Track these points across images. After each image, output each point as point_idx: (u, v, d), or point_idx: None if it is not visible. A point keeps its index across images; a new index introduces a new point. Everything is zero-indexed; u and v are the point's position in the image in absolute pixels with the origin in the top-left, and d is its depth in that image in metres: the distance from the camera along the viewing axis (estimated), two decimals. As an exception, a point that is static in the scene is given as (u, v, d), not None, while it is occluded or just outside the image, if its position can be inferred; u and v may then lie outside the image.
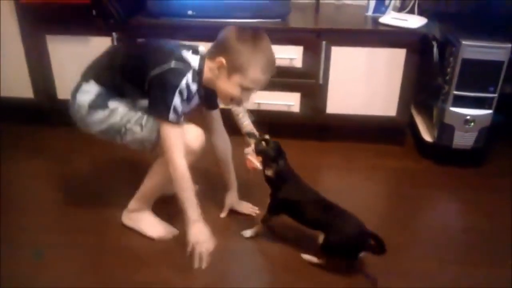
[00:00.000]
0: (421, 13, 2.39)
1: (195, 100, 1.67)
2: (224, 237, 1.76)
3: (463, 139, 2.22)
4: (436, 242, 1.85)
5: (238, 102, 1.65)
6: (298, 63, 2.28)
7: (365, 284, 1.60)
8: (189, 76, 1.55)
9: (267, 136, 1.70)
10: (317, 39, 2.23)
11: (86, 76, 1.67)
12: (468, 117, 2.17)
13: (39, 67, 2.45)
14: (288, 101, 2.36)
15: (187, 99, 1.59)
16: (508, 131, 2.44)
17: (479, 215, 2.01)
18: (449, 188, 2.21)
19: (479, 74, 2.12)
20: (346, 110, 2.38)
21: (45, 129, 2.56)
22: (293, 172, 1.71)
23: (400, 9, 2.47)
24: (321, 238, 1.62)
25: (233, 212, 1.94)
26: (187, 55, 1.59)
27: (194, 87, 1.58)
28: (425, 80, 2.36)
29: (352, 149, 2.45)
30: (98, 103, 1.63)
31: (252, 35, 1.56)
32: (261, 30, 1.60)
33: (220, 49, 1.57)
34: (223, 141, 1.87)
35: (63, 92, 2.47)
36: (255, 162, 1.67)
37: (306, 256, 1.70)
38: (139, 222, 1.82)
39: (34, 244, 1.76)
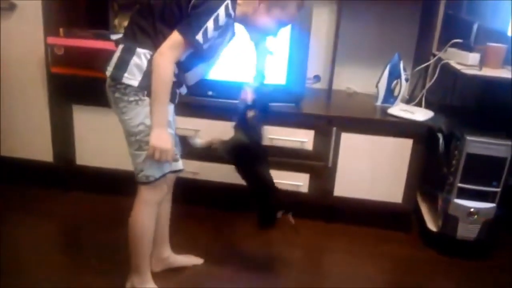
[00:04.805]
0: (428, 105, 2.51)
1: (231, 34, 1.67)
2: None
3: (467, 231, 2.24)
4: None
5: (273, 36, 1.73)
6: (309, 146, 2.38)
7: None
8: (229, 3, 1.53)
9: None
10: (328, 125, 2.34)
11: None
12: (472, 210, 2.21)
13: (62, 133, 2.56)
14: (297, 181, 2.44)
15: (224, 30, 1.59)
16: (512, 224, 2.47)
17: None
18: (452, 281, 2.20)
19: (483, 168, 2.18)
20: (353, 193, 2.44)
21: (59, 193, 2.63)
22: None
23: (409, 101, 2.59)
24: None
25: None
26: None
27: (233, 15, 1.56)
28: (431, 170, 2.43)
29: (358, 233, 2.48)
30: None
31: None
32: None
33: None
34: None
35: (82, 158, 2.58)
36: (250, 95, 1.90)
37: None
38: None
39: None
